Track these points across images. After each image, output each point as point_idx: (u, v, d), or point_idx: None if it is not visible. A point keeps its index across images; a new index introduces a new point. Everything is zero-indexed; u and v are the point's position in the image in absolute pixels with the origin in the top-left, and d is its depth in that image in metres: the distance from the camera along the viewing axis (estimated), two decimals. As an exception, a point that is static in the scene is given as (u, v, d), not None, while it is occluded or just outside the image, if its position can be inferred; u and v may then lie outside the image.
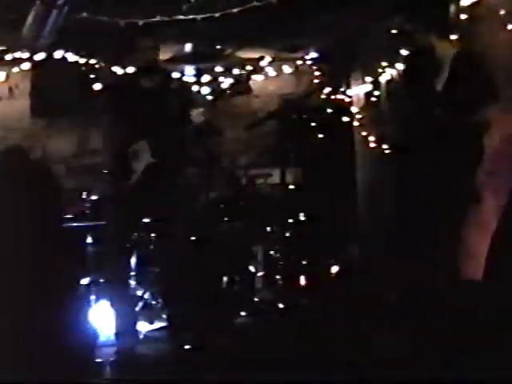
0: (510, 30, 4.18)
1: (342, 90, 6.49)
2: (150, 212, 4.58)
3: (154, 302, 5.14)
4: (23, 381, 2.68)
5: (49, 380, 2.80)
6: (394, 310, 4.62)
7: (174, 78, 5.28)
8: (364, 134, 6.31)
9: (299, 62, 6.81)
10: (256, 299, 5.33)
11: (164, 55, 6.39)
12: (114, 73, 6.01)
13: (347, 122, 6.60)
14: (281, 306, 4.99)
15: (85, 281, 5.11)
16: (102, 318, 4.74)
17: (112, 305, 4.53)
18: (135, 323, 4.58)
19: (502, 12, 4.27)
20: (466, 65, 3.64)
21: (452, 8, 4.02)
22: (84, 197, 5.29)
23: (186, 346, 4.00)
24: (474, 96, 3.55)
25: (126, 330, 4.46)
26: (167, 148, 4.43)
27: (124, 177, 4.45)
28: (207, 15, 5.12)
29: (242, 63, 6.55)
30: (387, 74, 5.66)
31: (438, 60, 3.73)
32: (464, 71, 3.60)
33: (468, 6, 4.52)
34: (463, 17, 4.51)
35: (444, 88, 3.64)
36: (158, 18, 5.09)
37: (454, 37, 3.91)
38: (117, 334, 4.45)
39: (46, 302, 2.89)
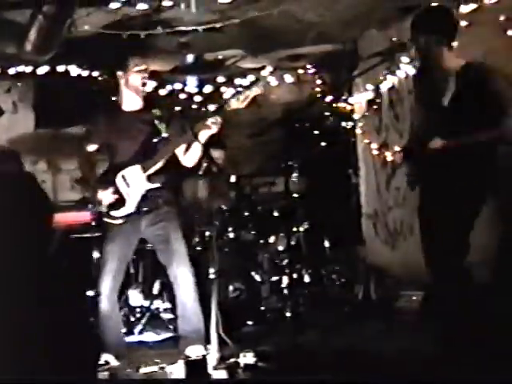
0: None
1: (343, 98, 6.53)
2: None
3: (161, 313, 5.16)
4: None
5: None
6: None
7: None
8: (367, 141, 6.34)
9: (301, 71, 6.86)
10: (262, 308, 5.34)
11: (166, 66, 6.45)
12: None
13: (350, 129, 6.63)
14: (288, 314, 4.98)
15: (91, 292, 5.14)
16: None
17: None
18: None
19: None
20: (475, 77, 3.55)
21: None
22: (90, 208, 5.28)
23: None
24: (484, 110, 3.48)
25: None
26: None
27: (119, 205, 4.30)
28: (209, 26, 5.15)
29: (244, 73, 6.60)
30: (389, 82, 5.70)
31: (445, 72, 3.65)
32: (472, 84, 3.53)
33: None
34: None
35: (451, 102, 3.56)
36: (159, 29, 5.12)
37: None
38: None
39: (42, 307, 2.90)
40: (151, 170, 4.22)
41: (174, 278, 4.29)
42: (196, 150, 4.28)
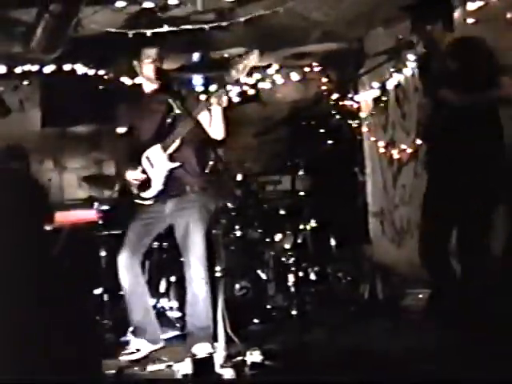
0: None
1: (350, 95, 6.52)
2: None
3: (167, 311, 5.16)
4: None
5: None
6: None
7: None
8: (373, 139, 6.33)
9: (307, 69, 6.85)
10: (269, 306, 5.34)
11: (172, 64, 6.46)
12: (123, 83, 6.09)
13: (356, 127, 6.62)
14: (294, 312, 4.98)
15: (98, 290, 5.15)
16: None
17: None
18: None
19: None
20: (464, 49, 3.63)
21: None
22: (96, 207, 5.29)
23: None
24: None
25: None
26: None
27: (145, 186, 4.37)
28: (215, 24, 5.15)
29: (250, 71, 6.58)
30: (395, 80, 5.69)
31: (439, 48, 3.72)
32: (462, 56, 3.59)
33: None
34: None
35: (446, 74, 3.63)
36: (165, 28, 5.13)
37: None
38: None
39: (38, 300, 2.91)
40: (171, 149, 4.27)
41: (187, 268, 4.31)
42: (217, 121, 4.28)
